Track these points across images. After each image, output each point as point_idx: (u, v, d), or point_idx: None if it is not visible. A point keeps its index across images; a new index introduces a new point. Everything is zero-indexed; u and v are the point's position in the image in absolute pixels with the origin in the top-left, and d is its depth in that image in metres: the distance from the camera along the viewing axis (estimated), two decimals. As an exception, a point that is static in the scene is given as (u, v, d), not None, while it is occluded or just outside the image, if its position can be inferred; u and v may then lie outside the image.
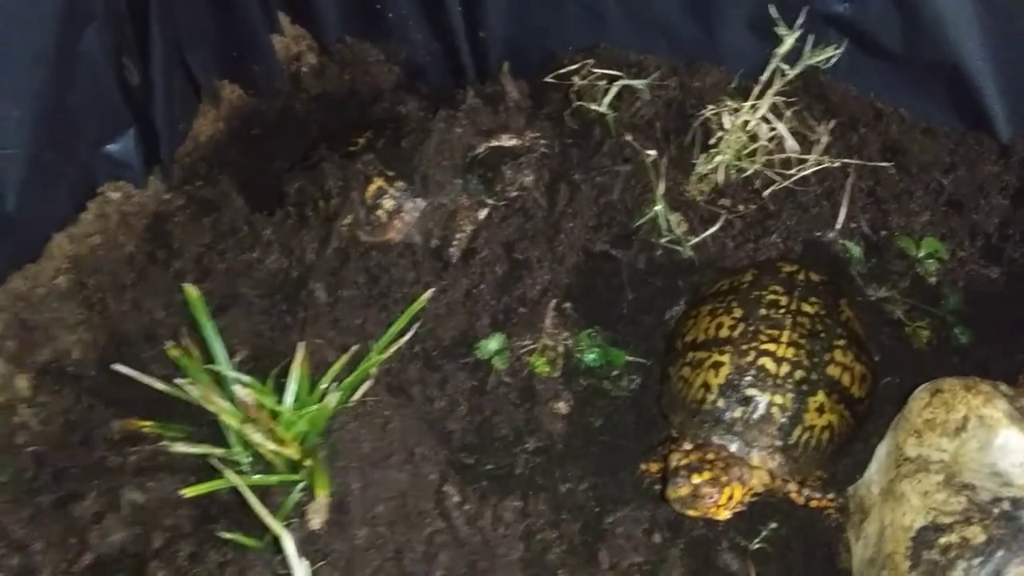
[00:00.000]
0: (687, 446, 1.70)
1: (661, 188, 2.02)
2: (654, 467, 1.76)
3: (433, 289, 1.93)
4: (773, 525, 1.72)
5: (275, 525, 1.52)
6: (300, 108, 2.58)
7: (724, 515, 1.66)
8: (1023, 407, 1.50)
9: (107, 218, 2.20)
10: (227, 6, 2.41)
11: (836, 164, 2.04)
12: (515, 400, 1.89)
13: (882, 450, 1.62)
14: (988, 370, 1.66)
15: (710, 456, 1.65)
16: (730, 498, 1.64)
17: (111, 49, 2.14)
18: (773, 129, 2.00)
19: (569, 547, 1.73)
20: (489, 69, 2.45)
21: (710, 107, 2.07)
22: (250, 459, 1.78)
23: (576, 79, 2.21)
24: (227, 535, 1.66)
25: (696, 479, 1.60)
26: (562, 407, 1.88)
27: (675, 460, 1.64)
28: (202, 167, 2.43)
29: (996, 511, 1.42)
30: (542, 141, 2.16)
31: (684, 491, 1.61)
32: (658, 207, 2.02)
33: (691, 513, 1.65)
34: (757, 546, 1.70)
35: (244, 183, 2.34)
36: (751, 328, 1.73)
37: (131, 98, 2.24)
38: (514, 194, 2.09)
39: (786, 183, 2.03)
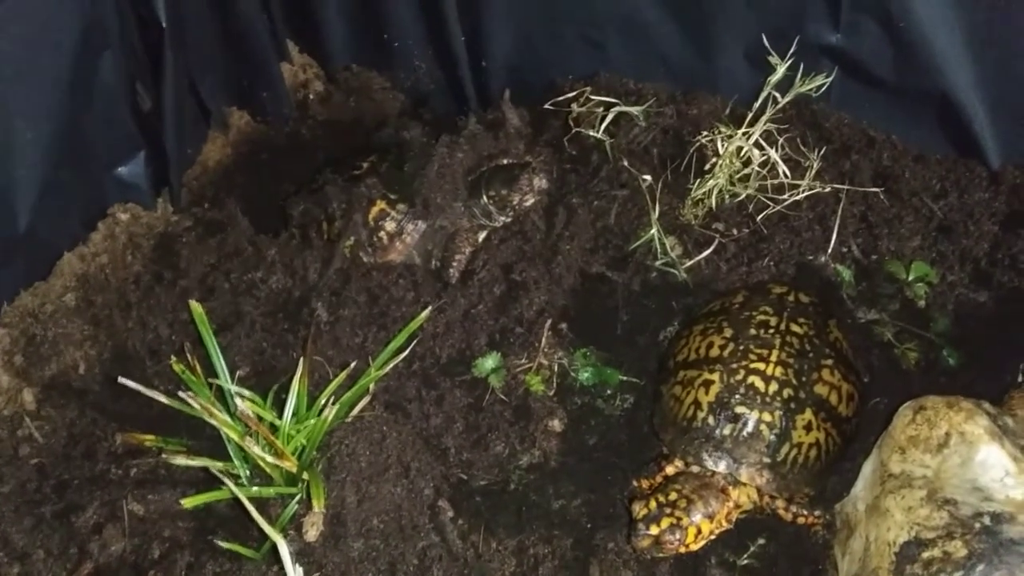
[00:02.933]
0: (656, 479, 1.76)
1: (656, 212, 2.06)
2: (646, 484, 1.79)
3: (431, 308, 1.98)
4: (761, 541, 1.74)
5: (272, 532, 1.55)
6: (307, 134, 2.64)
7: (696, 547, 1.68)
8: (1005, 425, 1.53)
9: (115, 238, 2.26)
10: (237, 35, 2.48)
11: (828, 189, 2.07)
12: (510, 418, 1.92)
13: (868, 467, 1.64)
14: (975, 392, 1.68)
15: (672, 496, 1.67)
16: (698, 533, 1.66)
17: (124, 75, 2.21)
18: (766, 155, 2.04)
19: (561, 562, 1.76)
20: (491, 97, 2.51)
21: (705, 134, 2.11)
22: (248, 472, 1.82)
23: (575, 106, 2.26)
24: (225, 544, 1.70)
25: (655, 530, 1.63)
26: (556, 425, 1.91)
27: (635, 511, 1.67)
28: (209, 190, 2.49)
29: (977, 526, 1.44)
30: (543, 168, 2.20)
31: (645, 542, 1.64)
32: (653, 230, 2.06)
33: (662, 555, 1.68)
34: (745, 562, 1.72)
35: (250, 206, 2.40)
36: (741, 347, 1.76)
37: (142, 122, 2.30)
38: (531, 202, 2.13)
39: (779, 208, 2.06)
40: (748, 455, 1.70)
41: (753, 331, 1.78)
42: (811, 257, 2.06)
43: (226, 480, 1.70)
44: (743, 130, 2.04)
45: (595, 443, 1.90)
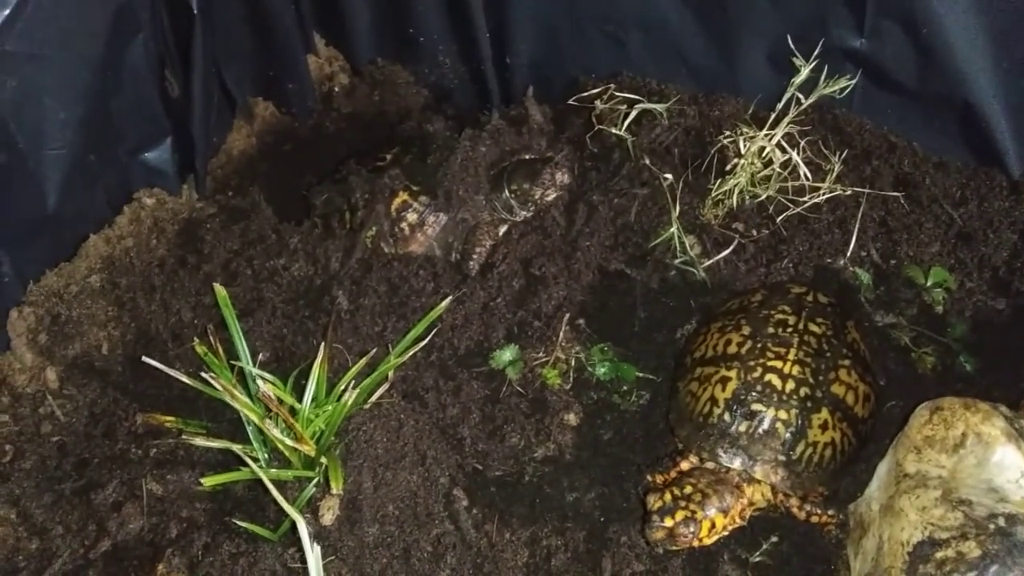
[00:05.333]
0: (670, 475, 1.77)
1: (676, 211, 2.08)
2: (660, 479, 1.80)
3: (451, 298, 1.99)
4: (774, 539, 1.75)
5: (292, 511, 1.56)
6: (331, 126, 2.67)
7: (709, 542, 1.69)
8: (1021, 427, 1.53)
9: (141, 222, 2.28)
10: (265, 25, 2.51)
11: (848, 193, 2.08)
12: (526, 410, 1.93)
13: (883, 467, 1.65)
14: (992, 397, 1.67)
15: (688, 490, 1.68)
16: (712, 528, 1.67)
17: (154, 61, 2.23)
18: (787, 157, 2.05)
19: (573, 554, 1.77)
20: (514, 93, 2.53)
21: (727, 134, 2.13)
22: (267, 455, 1.84)
23: (598, 103, 2.27)
24: (243, 524, 1.71)
25: (669, 522, 1.64)
26: (572, 419, 1.92)
27: (650, 503, 1.68)
28: (234, 179, 2.52)
29: (992, 527, 1.45)
30: (566, 164, 2.22)
31: (659, 534, 1.65)
32: (673, 229, 2.07)
33: (675, 548, 1.69)
34: (758, 559, 1.73)
35: (274, 195, 2.42)
36: (758, 345, 1.77)
37: (170, 109, 2.33)
38: (552, 196, 2.15)
39: (799, 210, 2.07)
40: (763, 452, 1.71)
41: (771, 329, 1.79)
42: (830, 260, 2.07)
43: (248, 460, 1.71)
44: (765, 131, 2.05)
45: (610, 438, 1.91)
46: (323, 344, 1.84)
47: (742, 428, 1.72)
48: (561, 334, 1.98)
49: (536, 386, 1.95)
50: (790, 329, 1.79)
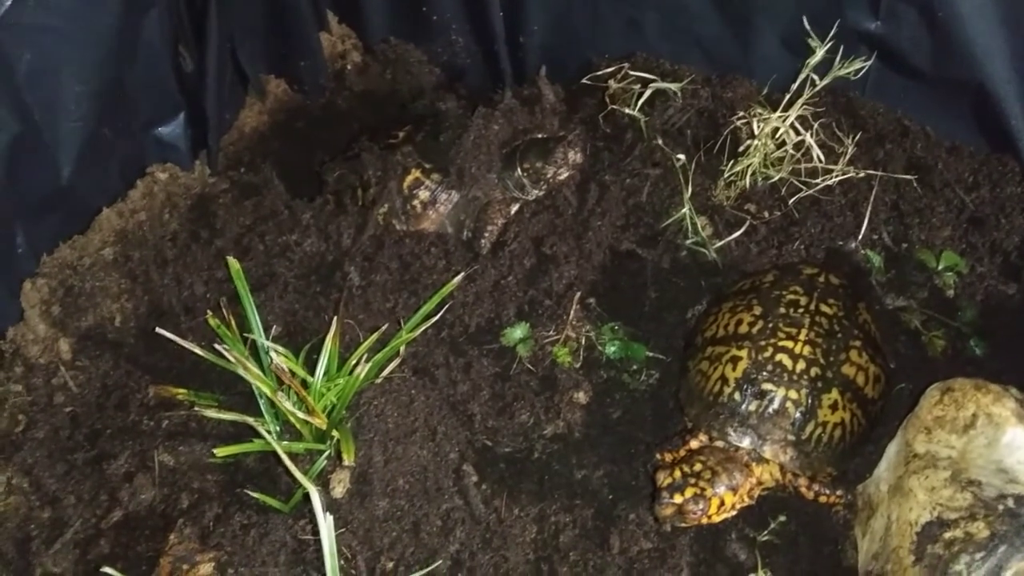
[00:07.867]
0: (679, 453, 1.77)
1: (689, 192, 2.08)
2: (669, 457, 1.80)
3: (462, 276, 2.00)
4: (782, 518, 1.75)
5: (305, 481, 1.58)
6: (343, 104, 2.66)
7: (718, 519, 1.70)
8: (1032, 410, 1.54)
9: (154, 196, 2.29)
10: (278, 3, 2.50)
11: (861, 175, 2.08)
12: (536, 388, 1.94)
13: (892, 448, 1.66)
14: (1002, 381, 1.66)
15: (697, 467, 1.68)
16: (720, 505, 1.68)
17: (169, 36, 2.23)
18: (800, 138, 2.04)
19: (581, 531, 1.78)
20: (527, 73, 2.52)
21: (740, 114, 2.12)
22: (278, 428, 1.85)
23: (612, 82, 2.27)
24: (255, 494, 1.73)
25: (678, 498, 1.65)
26: (581, 397, 1.93)
27: (659, 479, 1.68)
28: (246, 155, 2.52)
29: (1000, 507, 1.45)
30: (579, 143, 2.22)
31: (668, 511, 1.66)
32: (685, 210, 2.07)
33: (683, 525, 1.70)
34: (765, 538, 1.74)
35: (286, 172, 2.42)
36: (770, 325, 1.78)
37: (184, 84, 2.33)
38: (565, 175, 2.15)
39: (811, 192, 2.07)
40: (773, 432, 1.72)
41: (783, 310, 1.80)
42: (841, 242, 2.06)
43: (261, 431, 1.72)
44: (778, 113, 2.05)
45: (619, 416, 1.92)
46: (335, 319, 1.85)
47: (752, 407, 1.73)
48: (572, 313, 1.99)
49: (546, 364, 1.96)
50: (801, 309, 1.79)
